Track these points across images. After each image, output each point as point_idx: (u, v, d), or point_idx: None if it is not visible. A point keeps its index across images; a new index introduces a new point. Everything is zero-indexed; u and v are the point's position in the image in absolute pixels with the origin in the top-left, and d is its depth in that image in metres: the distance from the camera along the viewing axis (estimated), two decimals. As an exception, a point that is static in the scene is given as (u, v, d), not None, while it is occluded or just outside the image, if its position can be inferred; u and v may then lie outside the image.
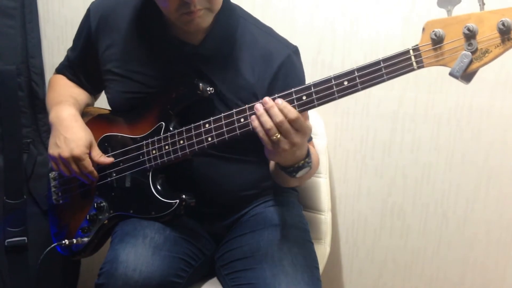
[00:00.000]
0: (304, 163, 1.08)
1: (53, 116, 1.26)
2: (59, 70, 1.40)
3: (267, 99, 1.02)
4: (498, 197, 1.54)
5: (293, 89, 1.02)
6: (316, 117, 1.55)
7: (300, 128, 1.01)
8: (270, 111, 1.00)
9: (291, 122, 1.00)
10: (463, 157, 1.55)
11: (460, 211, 1.58)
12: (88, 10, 1.28)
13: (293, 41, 1.28)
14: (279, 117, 1.00)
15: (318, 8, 1.57)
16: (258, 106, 1.02)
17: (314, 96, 1.01)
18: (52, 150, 1.23)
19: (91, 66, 1.31)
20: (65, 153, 1.20)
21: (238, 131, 1.08)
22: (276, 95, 1.03)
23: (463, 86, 1.48)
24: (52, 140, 1.25)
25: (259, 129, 1.02)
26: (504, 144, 1.50)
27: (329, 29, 1.57)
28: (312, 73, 1.57)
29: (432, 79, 1.52)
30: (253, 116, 1.03)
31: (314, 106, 1.01)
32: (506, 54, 1.44)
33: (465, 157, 1.55)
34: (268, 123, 1.00)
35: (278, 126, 1.00)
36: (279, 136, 1.00)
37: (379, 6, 1.52)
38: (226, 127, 1.09)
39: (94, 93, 1.41)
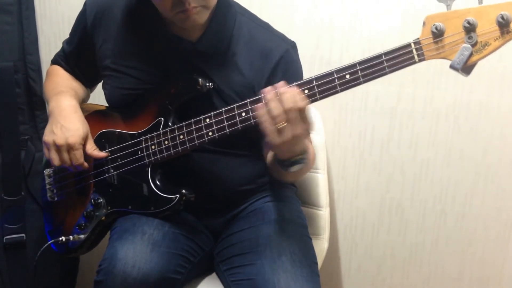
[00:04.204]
0: (299, 158, 1.07)
1: (53, 105, 1.26)
2: (55, 61, 1.40)
3: (281, 83, 1.00)
4: (496, 193, 1.54)
5: (295, 83, 1.02)
6: (314, 113, 1.55)
7: (305, 119, 0.99)
8: (282, 96, 0.97)
9: (301, 110, 0.97)
10: (461, 153, 1.55)
11: (458, 207, 1.59)
12: (85, 5, 1.28)
13: (291, 36, 1.28)
14: (290, 103, 0.97)
15: (316, 4, 1.57)
16: (268, 90, 1.00)
17: (316, 90, 1.00)
18: (47, 137, 1.22)
19: (86, 60, 1.31)
20: (60, 140, 1.20)
21: (239, 125, 1.08)
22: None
23: (461, 83, 1.50)
24: (48, 127, 1.24)
25: (265, 117, 0.98)
26: (502, 139, 1.51)
27: (328, 25, 1.57)
28: (310, 69, 1.57)
29: (430, 76, 1.52)
30: (260, 104, 1.01)
31: (316, 100, 1.01)
32: (504, 50, 1.45)
33: (463, 153, 1.55)
34: (277, 109, 0.97)
35: (286, 112, 0.97)
36: (285, 124, 0.98)
37: (378, 2, 1.52)
38: (227, 121, 1.09)
39: (89, 86, 1.41)
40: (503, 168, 1.52)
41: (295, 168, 1.09)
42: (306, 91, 1.01)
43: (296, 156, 1.07)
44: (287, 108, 0.97)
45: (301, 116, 0.98)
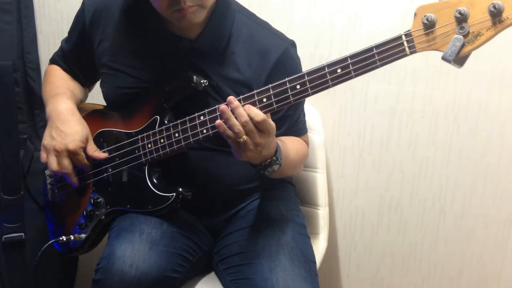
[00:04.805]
0: (271, 161, 1.08)
1: (50, 108, 1.26)
2: (53, 60, 1.40)
3: (231, 98, 1.02)
4: (495, 192, 1.54)
5: (287, 79, 1.02)
6: (314, 112, 1.55)
7: (265, 130, 1.02)
8: (235, 111, 1.01)
9: (258, 124, 1.01)
10: (460, 152, 1.55)
11: (457, 206, 1.58)
12: (83, 4, 1.28)
13: (290, 35, 1.28)
14: (245, 117, 1.01)
15: (316, 2, 1.57)
16: (225, 109, 1.02)
17: (308, 85, 1.01)
18: (47, 141, 1.23)
19: (84, 59, 1.31)
20: (60, 146, 1.20)
21: None
22: (243, 96, 1.04)
23: (461, 82, 1.49)
24: (47, 131, 1.24)
25: (227, 133, 1.02)
26: (501, 139, 1.50)
27: (327, 23, 1.57)
28: (310, 68, 1.56)
29: (429, 75, 1.52)
30: (219, 121, 1.03)
31: (308, 95, 1.01)
32: (503, 50, 1.44)
33: (463, 152, 1.54)
34: (236, 126, 1.01)
35: (243, 126, 1.01)
36: (245, 138, 1.01)
37: (377, 1, 1.51)
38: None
39: (87, 85, 1.41)
40: (503, 167, 1.52)
41: (269, 171, 1.10)
42: (298, 87, 1.01)
43: (267, 160, 1.08)
44: (243, 122, 1.00)
45: (262, 127, 1.01)
